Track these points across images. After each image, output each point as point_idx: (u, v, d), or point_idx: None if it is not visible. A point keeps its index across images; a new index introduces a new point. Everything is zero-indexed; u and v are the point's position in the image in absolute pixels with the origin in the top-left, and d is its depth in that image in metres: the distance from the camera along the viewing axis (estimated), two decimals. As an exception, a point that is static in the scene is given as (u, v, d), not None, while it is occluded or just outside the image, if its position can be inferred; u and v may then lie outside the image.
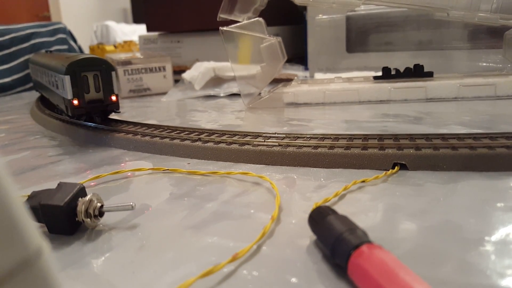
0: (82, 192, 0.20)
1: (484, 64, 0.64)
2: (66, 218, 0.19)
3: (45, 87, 0.51)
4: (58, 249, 0.19)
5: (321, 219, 0.17)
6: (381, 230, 0.19)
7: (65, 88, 0.36)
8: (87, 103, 0.37)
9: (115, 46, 1.24)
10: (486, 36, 0.64)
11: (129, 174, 0.29)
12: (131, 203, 0.20)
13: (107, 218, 0.21)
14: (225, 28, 0.51)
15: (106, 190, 0.26)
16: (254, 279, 0.16)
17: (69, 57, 0.39)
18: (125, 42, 1.29)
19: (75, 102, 0.36)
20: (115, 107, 0.39)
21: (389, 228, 0.19)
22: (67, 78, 0.36)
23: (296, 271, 0.16)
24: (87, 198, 0.20)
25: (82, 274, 0.17)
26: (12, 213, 0.08)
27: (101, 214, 0.20)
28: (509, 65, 0.57)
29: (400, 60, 0.57)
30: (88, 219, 0.20)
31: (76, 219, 0.20)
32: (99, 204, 0.20)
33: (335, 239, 0.16)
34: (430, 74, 0.53)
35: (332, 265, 0.16)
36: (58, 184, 0.21)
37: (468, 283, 0.15)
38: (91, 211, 0.20)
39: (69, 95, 0.36)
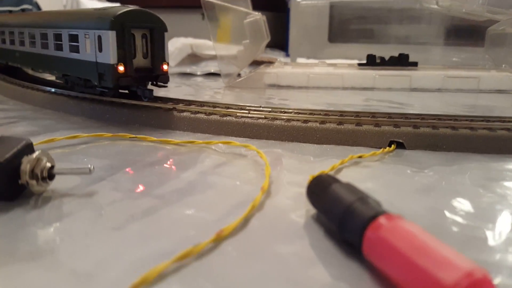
0: (28, 148, 0.16)
1: (463, 60, 0.64)
2: (5, 179, 0.15)
3: (28, 53, 0.39)
4: (-9, 217, 0.15)
5: (323, 189, 0.14)
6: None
7: (105, 49, 0.27)
8: (134, 71, 0.28)
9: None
10: (466, 33, 0.64)
11: (87, 139, 0.25)
12: (89, 166, 0.16)
13: (59, 183, 0.17)
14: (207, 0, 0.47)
15: (61, 155, 0.22)
16: (241, 256, 0.13)
17: (104, 9, 0.28)
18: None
19: (121, 68, 0.27)
20: (166, 79, 0.30)
21: (389, 206, 0.17)
22: (111, 35, 0.26)
23: (295, 250, 0.13)
24: (34, 155, 0.16)
25: (20, 248, 0.13)
26: None
27: (50, 176, 0.16)
28: (489, 62, 0.56)
29: (380, 52, 0.56)
30: (34, 181, 0.16)
31: (19, 181, 0.16)
32: (49, 165, 0.16)
33: (343, 211, 0.13)
34: (414, 64, 0.52)
35: (339, 242, 0.13)
36: (0, 137, 0.17)
37: (473, 259, 0.13)
38: (38, 171, 0.16)
39: (113, 59, 0.27)
